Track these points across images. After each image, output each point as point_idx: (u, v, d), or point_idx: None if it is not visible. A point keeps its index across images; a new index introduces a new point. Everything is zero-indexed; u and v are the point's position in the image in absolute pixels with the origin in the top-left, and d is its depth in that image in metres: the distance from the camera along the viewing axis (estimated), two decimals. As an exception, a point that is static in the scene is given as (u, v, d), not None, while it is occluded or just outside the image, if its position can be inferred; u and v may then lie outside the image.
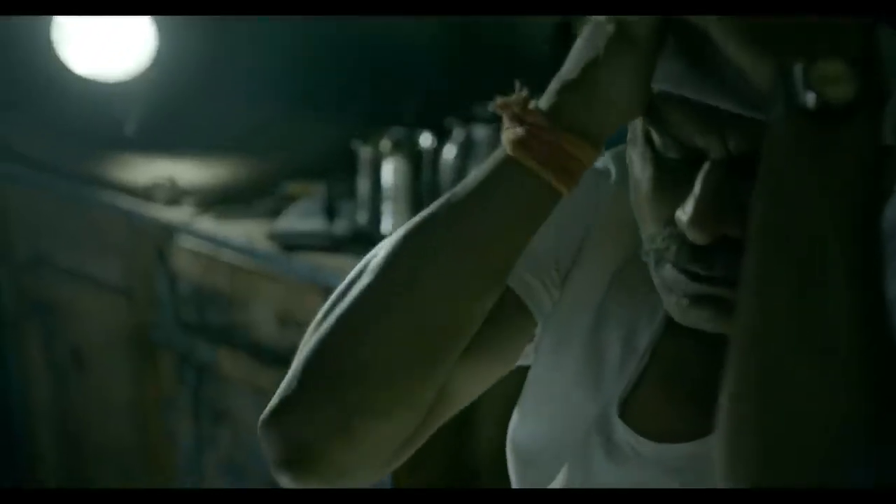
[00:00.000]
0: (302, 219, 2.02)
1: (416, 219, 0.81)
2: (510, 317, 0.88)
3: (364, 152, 2.00)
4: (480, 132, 2.00)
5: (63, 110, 2.38)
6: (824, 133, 0.64)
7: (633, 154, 0.78)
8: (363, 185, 2.01)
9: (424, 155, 2.02)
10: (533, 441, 0.92)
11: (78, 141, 2.40)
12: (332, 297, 0.82)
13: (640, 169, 0.78)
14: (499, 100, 0.77)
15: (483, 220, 0.78)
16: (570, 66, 0.76)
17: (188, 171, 2.25)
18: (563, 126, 0.75)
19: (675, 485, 0.82)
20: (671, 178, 0.75)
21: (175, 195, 2.15)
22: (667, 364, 0.86)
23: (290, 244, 1.97)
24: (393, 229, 2.02)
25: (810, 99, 0.63)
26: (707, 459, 0.71)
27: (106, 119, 2.38)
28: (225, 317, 2.07)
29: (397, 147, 1.98)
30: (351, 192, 2.06)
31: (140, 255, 2.19)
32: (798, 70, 0.63)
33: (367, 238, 1.98)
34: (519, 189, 0.77)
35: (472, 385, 0.89)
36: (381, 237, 2.04)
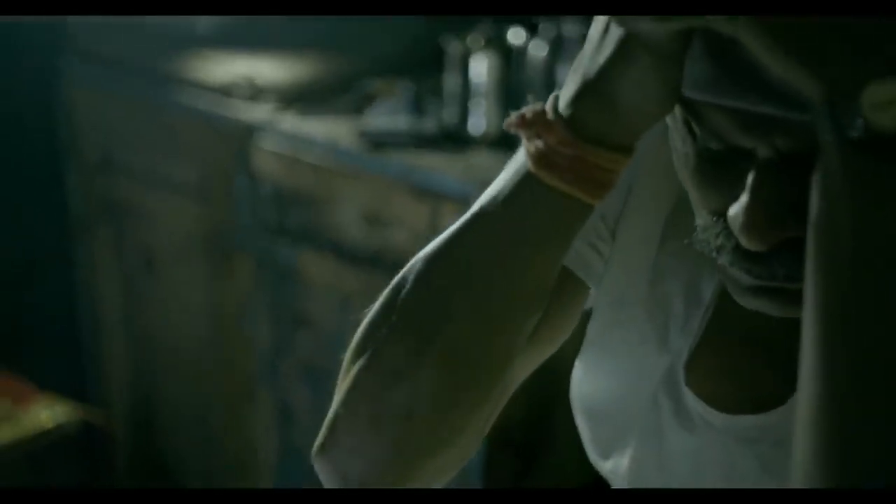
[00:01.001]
0: (389, 116, 1.96)
1: (444, 240, 0.74)
2: (560, 291, 0.81)
3: (453, 48, 1.94)
4: (571, 28, 1.94)
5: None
6: (882, 169, 0.54)
7: (675, 135, 0.70)
8: (451, 82, 1.95)
9: (514, 51, 1.96)
10: (599, 397, 0.88)
11: (151, 38, 2.33)
12: (366, 325, 0.75)
13: (681, 156, 0.69)
14: (512, 116, 0.69)
15: (516, 244, 0.72)
16: (587, 68, 0.67)
17: (267, 69, 2.19)
18: (587, 138, 0.67)
19: (749, 456, 0.77)
20: (716, 170, 0.67)
21: (254, 93, 2.09)
22: (733, 319, 0.79)
23: (378, 142, 1.92)
24: (482, 127, 2.03)
25: (862, 129, 0.54)
26: (780, 430, 0.67)
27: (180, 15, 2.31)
28: (307, 218, 2.02)
29: (487, 43, 1.93)
30: (437, 90, 2.00)
31: (217, 155, 2.14)
32: (846, 95, 0.54)
33: (455, 136, 1.93)
34: (549, 208, 0.70)
35: (531, 366, 0.84)
36: (468, 135, 2.02)
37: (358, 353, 0.75)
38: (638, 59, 0.64)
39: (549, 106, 0.68)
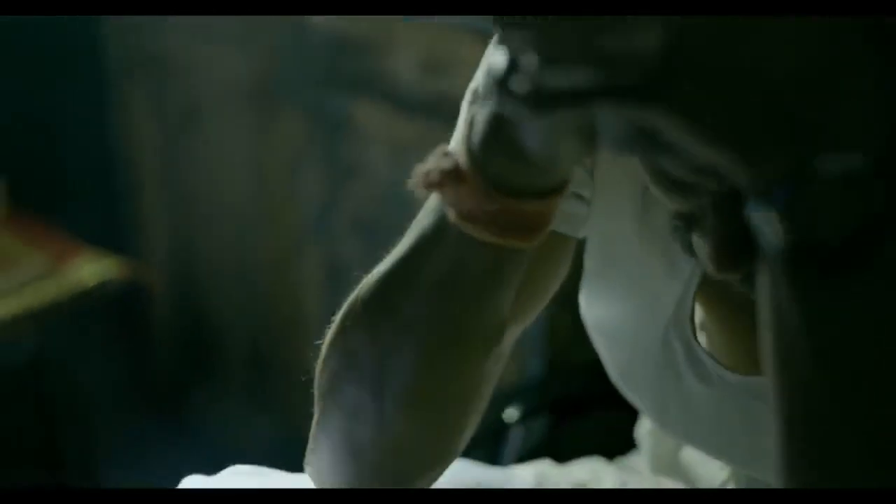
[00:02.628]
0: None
1: (382, 283, 0.69)
2: (545, 253, 0.76)
3: None
4: None
5: None
6: (826, 283, 0.46)
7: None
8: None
9: None
10: (609, 323, 0.83)
11: None
12: (327, 346, 0.73)
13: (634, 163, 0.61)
14: (417, 175, 0.62)
15: (456, 296, 0.66)
16: (488, 118, 0.59)
17: None
18: (509, 192, 0.60)
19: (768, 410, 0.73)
20: (673, 183, 0.59)
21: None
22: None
23: (437, -18, 1.82)
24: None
25: (799, 237, 0.46)
26: None
27: None
28: (360, 65, 1.93)
29: None
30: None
31: None
32: (779, 194, 0.45)
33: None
34: (482, 258, 0.64)
35: (527, 320, 0.80)
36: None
37: (324, 367, 0.73)
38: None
39: (461, 160, 0.60)
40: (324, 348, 0.73)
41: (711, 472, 0.94)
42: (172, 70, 2.25)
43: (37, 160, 2.29)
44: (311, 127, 2.04)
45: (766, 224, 0.46)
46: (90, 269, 1.92)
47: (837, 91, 0.45)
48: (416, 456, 0.73)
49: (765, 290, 0.49)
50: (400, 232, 0.70)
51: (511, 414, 1.27)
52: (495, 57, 0.53)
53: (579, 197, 0.78)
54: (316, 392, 0.74)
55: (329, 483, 0.76)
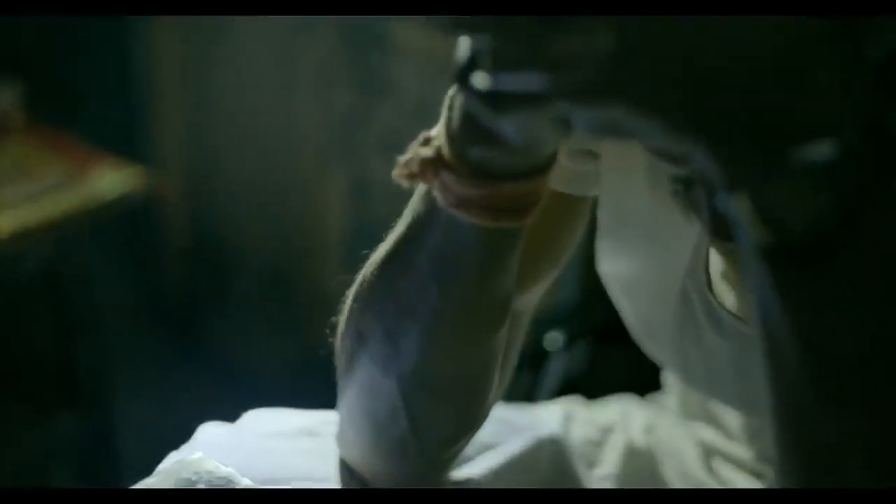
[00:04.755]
0: None
1: (380, 271, 0.68)
2: (557, 215, 0.78)
3: None
4: None
5: None
6: (806, 275, 0.46)
7: None
8: None
9: None
10: (627, 276, 0.82)
11: None
12: (342, 325, 0.73)
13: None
14: (400, 166, 0.62)
15: (457, 277, 0.66)
16: (458, 105, 0.58)
17: None
18: (495, 176, 0.59)
19: None
20: (659, 152, 0.60)
21: None
22: None
23: None
24: None
25: (772, 231, 0.45)
26: None
27: None
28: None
29: None
30: None
31: None
32: (749, 187, 0.45)
33: None
34: (476, 240, 0.63)
35: (547, 282, 0.81)
36: None
37: (341, 344, 0.73)
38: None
39: (442, 147, 0.60)
40: (340, 324, 0.73)
41: (742, 419, 0.91)
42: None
43: (55, 67, 2.23)
44: (342, 38, 1.97)
45: (738, 217, 0.46)
46: (110, 179, 1.86)
47: (806, 82, 0.44)
48: (436, 431, 0.73)
49: (748, 280, 0.49)
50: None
51: (552, 340, 1.27)
52: (459, 49, 0.52)
53: (589, 153, 0.77)
54: (336, 368, 0.74)
55: (357, 458, 0.77)
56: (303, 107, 2.10)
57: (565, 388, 1.21)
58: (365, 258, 0.72)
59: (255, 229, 2.30)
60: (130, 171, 1.88)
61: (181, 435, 0.85)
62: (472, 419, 0.75)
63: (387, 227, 0.69)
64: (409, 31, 1.86)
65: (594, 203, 0.81)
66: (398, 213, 0.68)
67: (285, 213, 2.22)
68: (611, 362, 1.26)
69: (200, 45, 2.23)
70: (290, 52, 2.08)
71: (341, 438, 0.79)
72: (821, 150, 0.44)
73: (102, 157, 1.90)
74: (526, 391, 1.21)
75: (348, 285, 0.73)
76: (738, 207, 0.46)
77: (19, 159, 1.88)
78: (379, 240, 0.70)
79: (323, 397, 0.84)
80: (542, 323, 1.26)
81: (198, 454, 0.78)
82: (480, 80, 0.51)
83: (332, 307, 0.74)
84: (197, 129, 2.32)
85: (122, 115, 2.37)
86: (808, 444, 0.50)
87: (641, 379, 1.09)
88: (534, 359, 1.25)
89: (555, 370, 1.25)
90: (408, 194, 0.66)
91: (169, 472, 0.77)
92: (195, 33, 2.23)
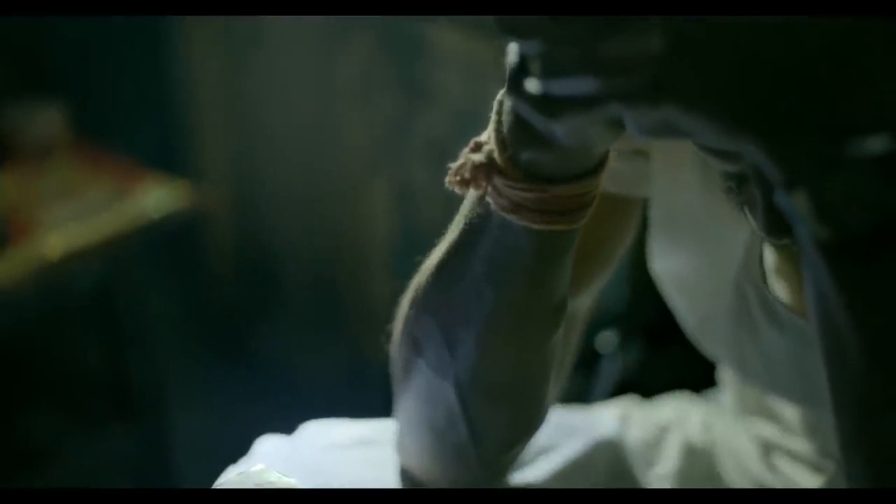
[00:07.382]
0: None
1: (437, 278, 0.68)
2: (611, 216, 0.77)
3: None
4: None
5: None
6: (868, 271, 0.46)
7: None
8: None
9: None
10: (681, 273, 0.82)
11: None
12: (398, 335, 0.73)
13: None
14: (451, 174, 0.61)
15: (511, 283, 0.65)
16: (508, 110, 0.58)
17: None
18: (548, 180, 0.59)
19: None
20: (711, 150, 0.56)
21: None
22: None
23: None
24: None
25: (831, 226, 0.46)
26: None
27: None
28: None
29: None
30: None
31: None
32: (806, 183, 0.45)
33: None
34: (531, 244, 0.63)
35: (600, 283, 0.81)
36: None
37: (397, 352, 0.73)
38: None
39: (496, 154, 0.59)
40: (395, 332, 0.73)
41: (801, 413, 0.90)
42: (237, -10, 2.18)
43: (98, 86, 2.24)
44: (383, 46, 1.97)
45: (797, 213, 0.46)
46: (156, 195, 1.88)
47: (860, 77, 0.44)
48: (495, 436, 0.73)
49: (808, 276, 0.49)
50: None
51: (604, 341, 1.26)
52: (509, 55, 0.52)
53: (641, 155, 0.76)
54: (391, 374, 0.74)
55: (417, 465, 0.77)
56: (344, 114, 2.09)
57: (619, 389, 1.20)
58: (416, 264, 0.71)
59: (301, 239, 2.30)
60: (175, 187, 1.89)
61: (235, 448, 0.85)
62: (529, 423, 0.75)
63: (432, 232, 0.69)
64: (446, 35, 1.85)
65: (644, 203, 0.81)
66: (444, 218, 0.68)
67: (331, 221, 2.22)
68: (663, 361, 1.25)
69: (238, 56, 2.23)
70: (327, 59, 2.07)
71: (400, 446, 0.79)
72: (878, 145, 0.44)
73: (147, 174, 1.91)
74: (580, 393, 1.21)
75: (400, 291, 0.73)
76: (797, 204, 0.46)
77: (67, 179, 1.90)
78: (425, 245, 0.70)
79: (376, 404, 0.84)
80: (594, 324, 1.25)
81: (259, 466, 0.78)
82: (532, 84, 0.51)
83: (381, 313, 0.74)
84: (239, 140, 2.33)
85: (164, 131, 2.38)
86: (873, 438, 0.50)
87: (694, 377, 1.08)
88: (586, 360, 1.24)
89: (608, 371, 1.25)
90: (453, 198, 0.66)
91: (232, 483, 0.77)
92: (231, 44, 2.23)
